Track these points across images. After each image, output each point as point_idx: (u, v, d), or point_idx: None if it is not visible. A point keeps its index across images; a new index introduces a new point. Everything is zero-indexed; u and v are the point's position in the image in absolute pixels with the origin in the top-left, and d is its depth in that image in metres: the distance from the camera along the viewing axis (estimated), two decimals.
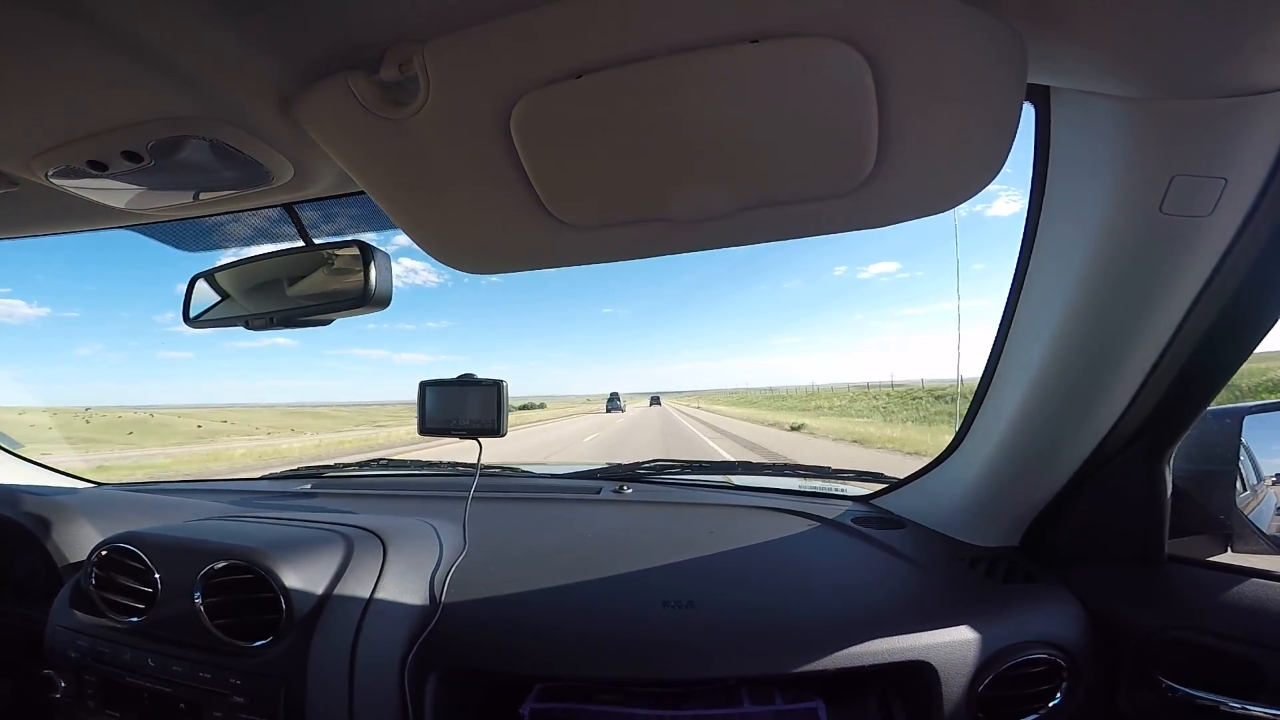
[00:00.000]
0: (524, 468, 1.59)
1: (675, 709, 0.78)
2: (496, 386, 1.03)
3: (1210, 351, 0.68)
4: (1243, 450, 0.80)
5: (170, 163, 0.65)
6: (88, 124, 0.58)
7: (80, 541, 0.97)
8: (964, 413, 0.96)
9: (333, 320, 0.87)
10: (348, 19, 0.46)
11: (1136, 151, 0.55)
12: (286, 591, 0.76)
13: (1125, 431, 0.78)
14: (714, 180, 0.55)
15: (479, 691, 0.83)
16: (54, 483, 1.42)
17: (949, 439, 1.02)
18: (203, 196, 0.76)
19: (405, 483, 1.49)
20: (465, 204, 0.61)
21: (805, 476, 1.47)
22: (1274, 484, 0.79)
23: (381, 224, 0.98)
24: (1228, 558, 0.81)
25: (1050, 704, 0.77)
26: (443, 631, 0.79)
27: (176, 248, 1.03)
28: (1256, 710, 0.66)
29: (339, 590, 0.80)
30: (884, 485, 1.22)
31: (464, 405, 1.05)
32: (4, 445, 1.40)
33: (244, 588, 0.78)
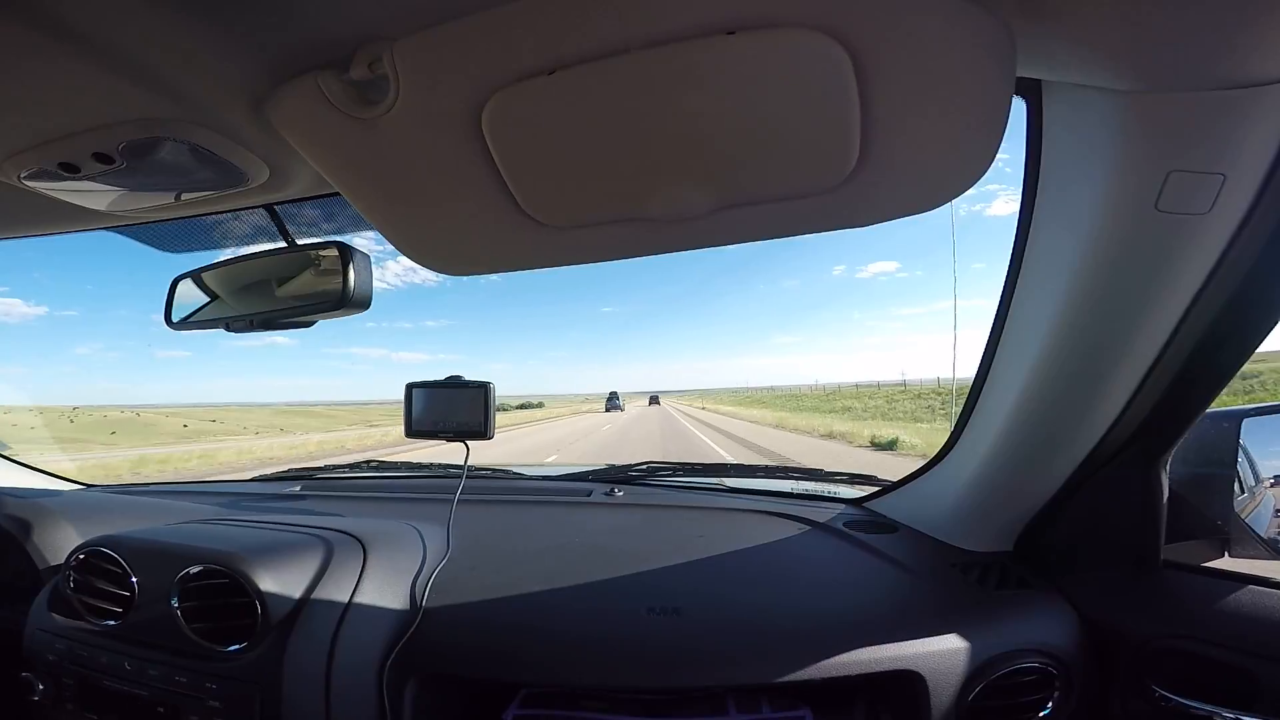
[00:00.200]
0: (515, 470, 1.59)
1: (661, 716, 0.77)
2: (484, 388, 1.02)
3: (1209, 353, 0.66)
4: (1241, 453, 0.79)
5: (143, 164, 0.65)
6: (57, 126, 0.58)
7: (61, 544, 0.98)
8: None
9: (314, 322, 0.86)
10: (316, 18, 0.46)
11: (1131, 147, 0.54)
12: (262, 596, 0.76)
13: (1121, 435, 0.77)
14: (692, 177, 0.54)
15: (461, 697, 0.83)
16: (42, 484, 1.42)
17: None
18: (180, 198, 0.76)
19: (395, 485, 1.49)
20: (439, 205, 0.60)
21: (798, 478, 1.45)
22: (1272, 486, 0.78)
23: (370, 224, 0.98)
24: (1224, 563, 0.80)
25: (1041, 714, 0.76)
26: (423, 636, 0.79)
27: (160, 249, 1.02)
28: None
29: (316, 595, 0.80)
30: (877, 488, 1.21)
31: (451, 407, 1.04)
32: None
33: (220, 592, 0.78)
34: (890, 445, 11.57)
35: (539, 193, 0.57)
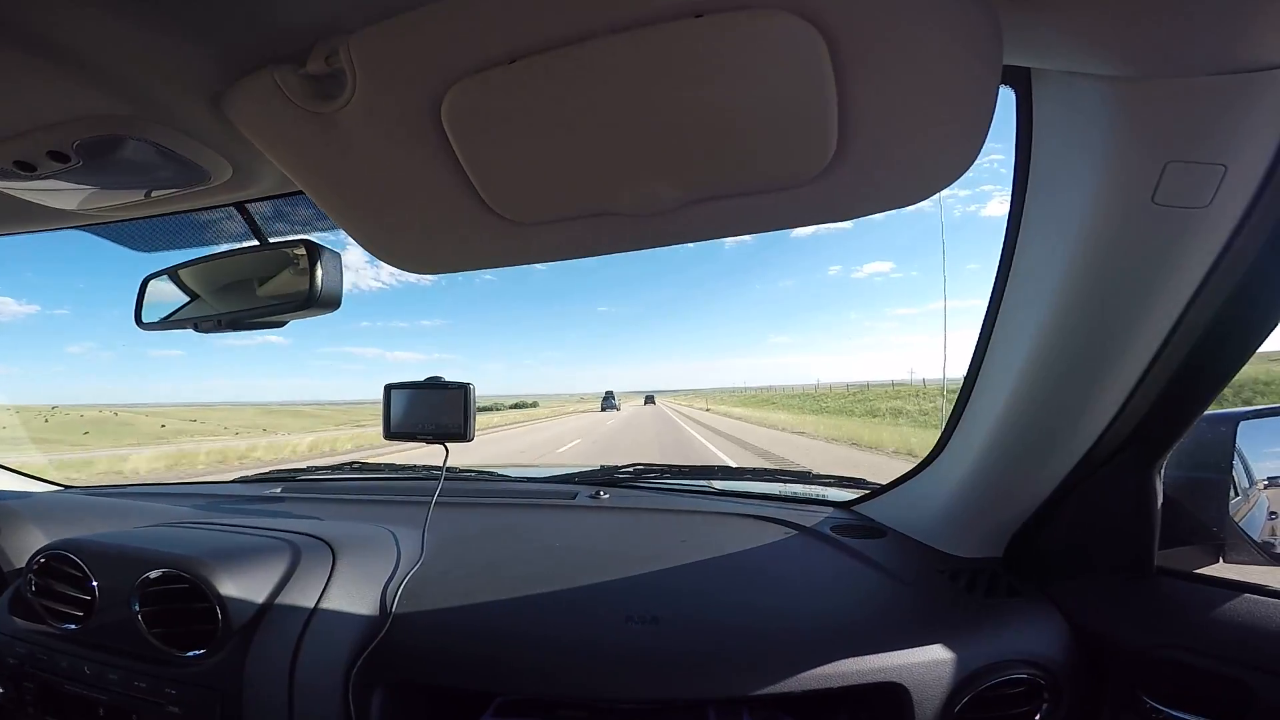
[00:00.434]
0: (500, 471, 1.57)
1: None
2: (463, 389, 1.01)
3: (1208, 353, 0.64)
4: (1235, 456, 0.77)
5: (100, 163, 0.64)
6: (7, 125, 0.57)
7: (26, 547, 0.98)
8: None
9: (285, 322, 0.85)
10: (272, 11, 0.45)
11: (1126, 137, 0.52)
12: (222, 601, 0.76)
13: (1116, 438, 0.75)
14: (662, 169, 0.52)
15: (432, 706, 0.82)
16: (18, 486, 1.40)
17: None
18: (149, 196, 0.74)
19: (377, 487, 1.48)
20: (401, 201, 0.59)
21: (787, 482, 1.43)
22: (1266, 488, 0.76)
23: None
24: (1219, 569, 0.78)
25: None
26: (392, 643, 0.78)
27: (132, 249, 1.01)
28: None
29: (281, 600, 0.80)
30: (866, 491, 1.19)
31: (430, 409, 1.03)
32: None
33: (181, 597, 0.78)
34: None
35: (503, 188, 0.55)
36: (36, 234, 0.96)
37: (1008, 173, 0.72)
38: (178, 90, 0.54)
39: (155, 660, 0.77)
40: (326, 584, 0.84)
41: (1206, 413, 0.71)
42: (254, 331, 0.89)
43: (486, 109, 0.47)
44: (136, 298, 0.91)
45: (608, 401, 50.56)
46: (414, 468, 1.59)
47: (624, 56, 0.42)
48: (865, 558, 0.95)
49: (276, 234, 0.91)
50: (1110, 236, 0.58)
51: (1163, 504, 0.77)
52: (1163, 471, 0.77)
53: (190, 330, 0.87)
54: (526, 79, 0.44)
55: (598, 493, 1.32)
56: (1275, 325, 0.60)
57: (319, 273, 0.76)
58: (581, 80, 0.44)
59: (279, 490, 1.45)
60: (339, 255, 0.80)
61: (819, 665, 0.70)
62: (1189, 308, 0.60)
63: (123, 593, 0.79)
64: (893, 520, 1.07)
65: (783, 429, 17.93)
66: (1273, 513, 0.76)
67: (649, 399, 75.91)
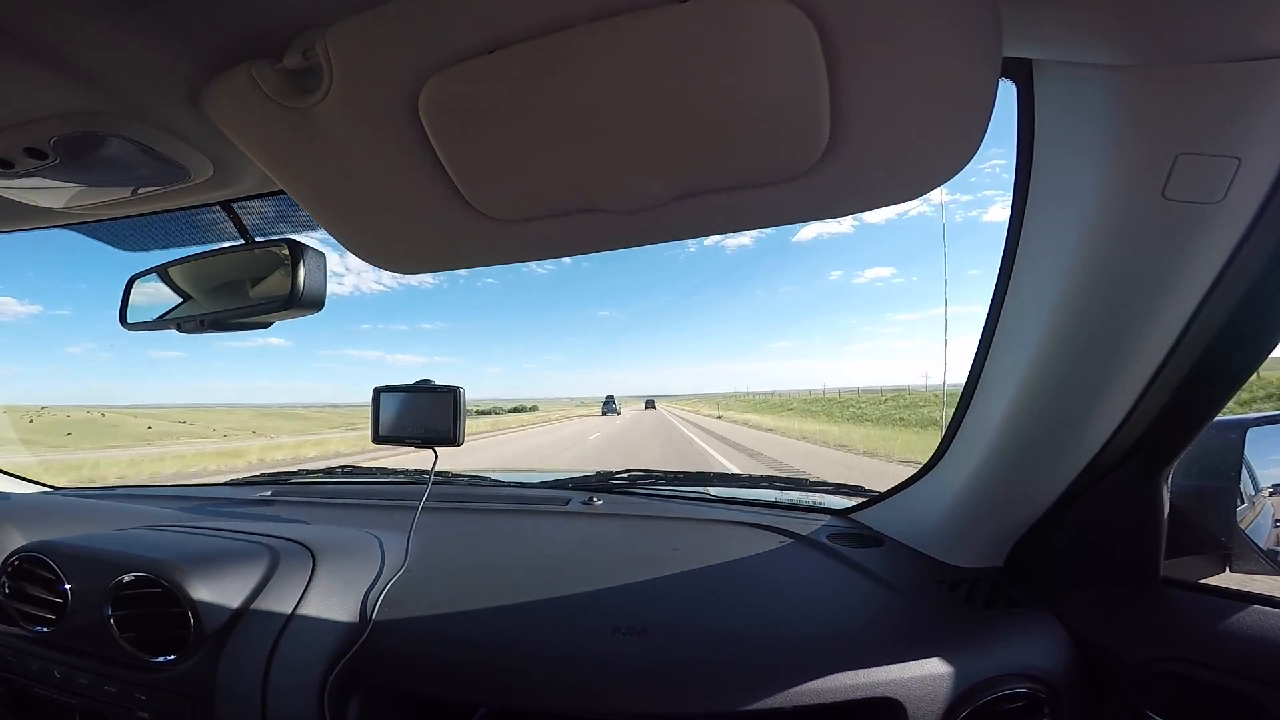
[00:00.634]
0: (493, 476, 1.55)
1: None
2: (453, 393, 1.00)
3: (1220, 356, 0.61)
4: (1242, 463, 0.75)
5: (79, 160, 0.64)
6: None
7: (3, 548, 0.96)
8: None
9: (269, 324, 0.84)
10: (248, 6, 0.44)
11: (1134, 129, 0.50)
12: (195, 606, 0.75)
13: (1123, 445, 0.72)
14: (647, 163, 0.51)
15: (413, 716, 0.81)
16: (6, 487, 1.40)
17: None
18: (125, 195, 0.74)
19: (367, 491, 1.47)
20: (380, 198, 0.58)
21: (783, 488, 1.41)
22: (1271, 494, 0.74)
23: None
24: (1226, 579, 0.77)
25: None
26: (371, 651, 0.77)
27: (119, 248, 1.00)
28: None
29: (256, 605, 0.79)
30: (864, 499, 1.17)
31: (419, 413, 1.02)
32: None
33: (155, 601, 0.77)
34: None
35: (483, 184, 0.54)
36: (39, 236, 0.96)
37: (1009, 176, 0.70)
38: (155, 87, 0.53)
39: (126, 665, 0.77)
40: (305, 589, 0.83)
41: (1215, 419, 0.70)
42: (241, 333, 0.88)
43: (465, 102, 0.46)
44: (122, 297, 0.91)
45: (608, 406, 51.36)
46: (406, 472, 1.58)
47: (607, 45, 0.41)
48: (862, 567, 0.94)
49: (267, 234, 0.90)
50: (1118, 234, 0.56)
51: (1169, 513, 0.75)
52: (1170, 480, 0.75)
53: (174, 330, 0.86)
54: (506, 70, 0.43)
55: (591, 499, 1.31)
56: None
57: (301, 273, 0.75)
58: (563, 71, 0.43)
59: (269, 494, 1.45)
60: (323, 256, 0.79)
61: (812, 680, 0.69)
62: (1201, 307, 0.58)
63: (95, 596, 0.78)
64: (891, 529, 1.05)
65: (834, 445, 13.55)
66: (1278, 520, 0.74)
67: (649, 403, 77.07)
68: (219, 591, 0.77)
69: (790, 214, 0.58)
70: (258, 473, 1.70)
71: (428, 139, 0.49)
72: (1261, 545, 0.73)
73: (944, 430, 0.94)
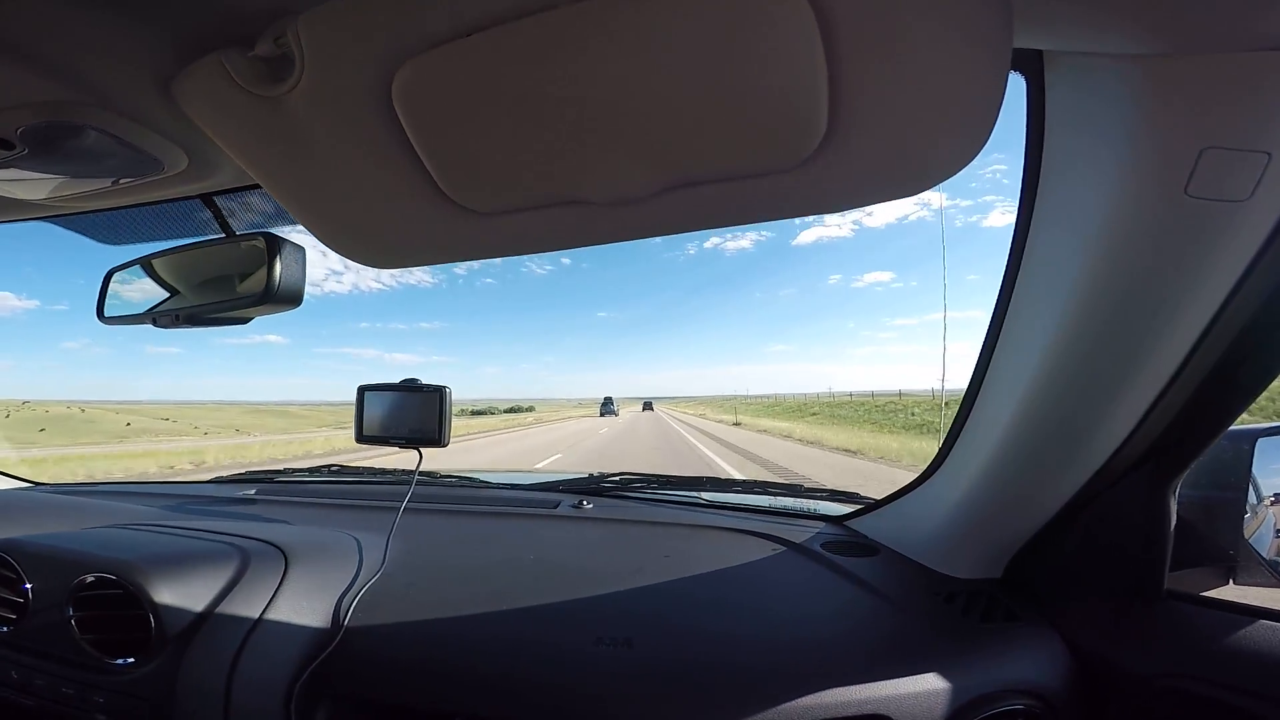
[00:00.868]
0: (482, 478, 1.53)
1: None
2: (439, 393, 0.98)
3: (1239, 363, 0.59)
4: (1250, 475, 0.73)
5: (47, 151, 0.63)
6: None
7: None
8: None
9: (247, 319, 0.82)
10: None
11: (1155, 122, 0.48)
12: (156, 608, 0.74)
13: (1132, 454, 0.70)
14: (633, 152, 0.49)
15: None
16: None
17: None
18: (100, 187, 0.73)
19: (353, 491, 1.46)
20: (355, 190, 0.57)
21: (777, 494, 1.39)
22: (1273, 504, 0.72)
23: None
24: (1234, 593, 0.75)
25: None
26: (342, 657, 0.75)
27: (100, 241, 0.99)
28: None
29: (222, 608, 0.78)
30: (860, 506, 1.15)
31: (404, 412, 1.00)
32: None
33: (117, 603, 0.76)
34: None
35: (460, 174, 0.53)
36: (35, 232, 0.95)
37: (1010, 183, 0.67)
38: (124, 76, 0.52)
39: (86, 667, 0.76)
40: (275, 592, 0.82)
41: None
42: (240, 329, 0.87)
43: (441, 88, 0.45)
44: (100, 290, 0.89)
45: (606, 407, 51.89)
46: (394, 472, 1.56)
47: (589, 28, 0.40)
48: (856, 578, 0.92)
49: (250, 229, 0.88)
50: (1135, 233, 0.53)
51: (1175, 525, 0.72)
52: (1177, 491, 0.73)
53: (151, 325, 0.84)
54: (483, 54, 0.42)
55: (581, 502, 1.29)
56: None
57: (278, 267, 0.74)
58: (543, 55, 0.42)
59: (253, 492, 1.44)
60: (302, 250, 0.77)
61: (801, 697, 0.67)
62: (1222, 311, 0.55)
63: (57, 596, 0.77)
64: (887, 537, 1.03)
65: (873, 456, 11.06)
66: (1279, 529, 0.72)
67: (646, 405, 78.69)
68: (183, 593, 0.76)
69: (784, 208, 0.55)
70: (233, 473, 1.68)
71: (402, 128, 0.48)
72: (1265, 556, 0.72)
73: (942, 436, 0.92)
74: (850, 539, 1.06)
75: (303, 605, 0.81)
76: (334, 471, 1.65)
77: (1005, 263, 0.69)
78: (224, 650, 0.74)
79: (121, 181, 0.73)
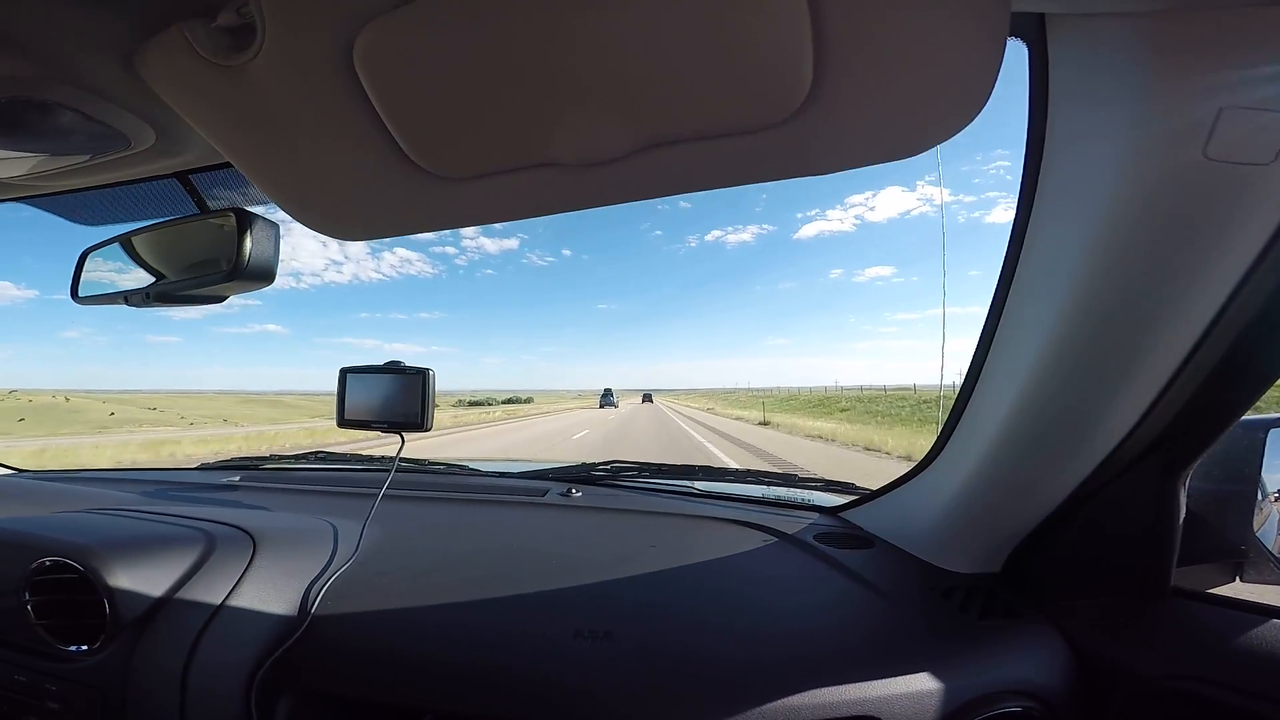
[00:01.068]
0: (469, 465, 1.52)
1: None
2: (422, 375, 0.97)
3: (1258, 344, 0.56)
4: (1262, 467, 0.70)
5: (14, 128, 0.62)
6: None
7: None
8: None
9: (221, 297, 0.81)
10: None
11: (1169, 82, 0.45)
12: (111, 593, 0.73)
13: (1140, 442, 0.67)
14: (606, 106, 0.46)
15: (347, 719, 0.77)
16: None
17: None
18: (67, 165, 0.72)
19: (338, 478, 1.45)
20: (320, 160, 0.56)
21: (771, 484, 1.36)
22: (1277, 500, 0.69)
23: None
24: (1241, 590, 0.72)
25: None
26: (308, 648, 0.74)
27: (76, 222, 0.98)
28: None
29: (182, 594, 0.77)
30: (855, 497, 1.12)
31: (386, 395, 0.99)
32: None
33: (73, 588, 0.75)
34: None
35: (426, 138, 0.51)
36: (34, 222, 0.95)
37: (1014, 180, 0.64)
38: (86, 50, 0.51)
39: (39, 654, 0.75)
40: (240, 578, 0.80)
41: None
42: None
43: (403, 49, 0.43)
44: (74, 271, 0.88)
45: (606, 399, 52.39)
46: (381, 458, 1.55)
47: None
48: (850, 571, 0.90)
49: (223, 205, 0.86)
50: (1149, 202, 0.50)
51: (1183, 519, 0.69)
52: (1187, 482, 0.70)
53: (123, 304, 0.83)
54: (445, 12, 0.40)
55: (569, 490, 1.28)
56: None
57: (248, 243, 0.72)
58: (509, 9, 0.39)
59: (237, 479, 1.43)
60: (275, 226, 0.76)
61: (787, 697, 0.65)
62: (1241, 287, 0.52)
63: (14, 580, 0.76)
64: (882, 529, 1.01)
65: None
66: None
67: (646, 397, 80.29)
68: (141, 578, 0.75)
69: (768, 169, 0.53)
70: (219, 460, 1.66)
71: (365, 94, 0.46)
72: (1272, 550, 0.69)
73: (940, 424, 0.88)
74: (845, 530, 1.04)
75: (269, 592, 0.80)
76: (320, 458, 1.64)
77: (1007, 240, 0.66)
78: (182, 637, 0.73)
79: (96, 160, 0.72)
